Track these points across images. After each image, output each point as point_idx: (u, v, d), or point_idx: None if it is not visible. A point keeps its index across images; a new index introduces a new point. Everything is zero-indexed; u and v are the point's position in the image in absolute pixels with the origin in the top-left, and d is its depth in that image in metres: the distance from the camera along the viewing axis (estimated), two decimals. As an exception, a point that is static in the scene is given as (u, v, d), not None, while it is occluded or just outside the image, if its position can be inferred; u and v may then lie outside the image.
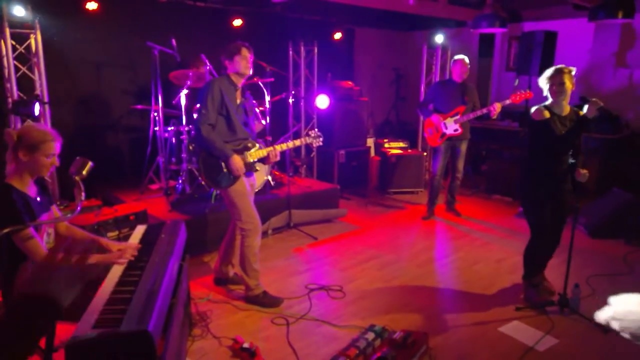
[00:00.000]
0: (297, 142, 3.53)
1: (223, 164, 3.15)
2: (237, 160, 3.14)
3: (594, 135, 5.84)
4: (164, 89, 4.79)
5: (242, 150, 3.25)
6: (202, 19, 5.78)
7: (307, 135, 3.54)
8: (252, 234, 3.24)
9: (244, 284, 3.33)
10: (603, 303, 3.37)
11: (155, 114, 4.93)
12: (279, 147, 3.35)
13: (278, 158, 3.36)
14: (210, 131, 3.10)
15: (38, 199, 2.22)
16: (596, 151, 5.91)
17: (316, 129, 3.63)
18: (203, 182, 3.18)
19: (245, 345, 2.68)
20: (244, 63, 3.13)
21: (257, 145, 3.33)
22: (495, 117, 4.79)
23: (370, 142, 6.89)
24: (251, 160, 3.27)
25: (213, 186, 3.21)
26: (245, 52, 3.14)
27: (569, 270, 3.16)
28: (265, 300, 3.29)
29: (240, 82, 3.22)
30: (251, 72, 3.22)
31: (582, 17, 6.04)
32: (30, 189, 2.18)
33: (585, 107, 2.98)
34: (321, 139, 3.54)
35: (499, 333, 3.00)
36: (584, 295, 3.33)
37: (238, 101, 3.24)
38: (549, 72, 3.09)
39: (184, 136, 4.71)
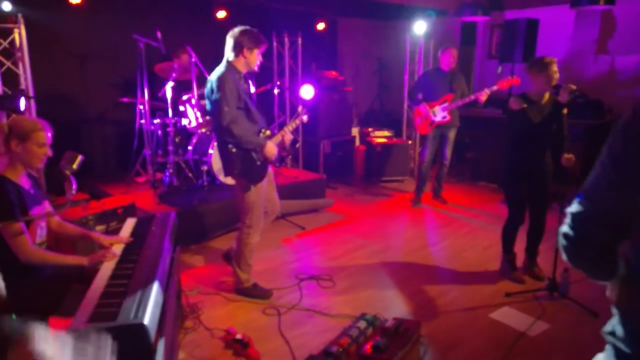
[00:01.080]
0: (298, 121, 3.50)
1: (254, 155, 3.10)
2: (271, 147, 3.14)
3: (577, 122, 5.93)
4: (149, 82, 4.75)
5: (269, 138, 3.21)
6: (185, 10, 5.71)
7: (298, 113, 3.52)
8: (254, 232, 3.23)
9: (235, 276, 3.33)
10: (591, 287, 3.41)
11: (141, 106, 4.89)
12: (287, 129, 3.35)
13: (291, 137, 3.40)
14: (237, 126, 3.02)
15: (31, 191, 2.21)
16: (579, 137, 6.01)
17: (300, 106, 3.63)
18: (223, 179, 3.14)
19: (238, 336, 2.69)
20: (257, 60, 3.12)
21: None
22: (483, 103, 4.83)
23: (355, 131, 6.91)
24: None
25: (250, 181, 3.11)
26: (262, 49, 3.11)
27: (557, 255, 3.16)
28: (255, 293, 3.30)
29: (244, 71, 3.16)
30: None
31: (563, 5, 6.11)
32: (23, 181, 2.17)
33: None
34: (305, 109, 3.54)
35: (489, 319, 3.02)
36: (572, 280, 3.31)
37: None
38: (544, 62, 3.14)
39: (170, 129, 4.68)
